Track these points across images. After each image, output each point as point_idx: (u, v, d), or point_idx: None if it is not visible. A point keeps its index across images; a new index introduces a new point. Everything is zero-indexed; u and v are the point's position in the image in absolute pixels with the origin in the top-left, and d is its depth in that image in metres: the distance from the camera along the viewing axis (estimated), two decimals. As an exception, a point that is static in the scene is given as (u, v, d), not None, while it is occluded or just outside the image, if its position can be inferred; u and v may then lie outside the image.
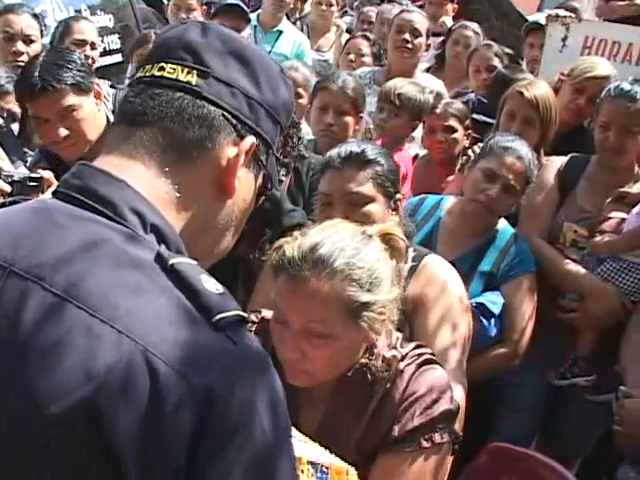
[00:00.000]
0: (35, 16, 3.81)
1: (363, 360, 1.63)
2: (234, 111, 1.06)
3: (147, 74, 1.07)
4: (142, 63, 1.11)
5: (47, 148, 2.71)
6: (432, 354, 1.72)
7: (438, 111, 3.46)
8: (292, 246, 1.55)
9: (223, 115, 1.05)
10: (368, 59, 4.64)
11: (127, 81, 4.68)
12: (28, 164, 2.83)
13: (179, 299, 0.92)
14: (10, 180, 2.19)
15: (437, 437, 1.59)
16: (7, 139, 2.73)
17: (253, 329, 1.77)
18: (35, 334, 0.87)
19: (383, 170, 2.14)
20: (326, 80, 3.33)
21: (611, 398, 2.64)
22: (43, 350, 0.86)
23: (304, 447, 1.44)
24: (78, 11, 5.24)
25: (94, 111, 2.59)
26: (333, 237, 1.55)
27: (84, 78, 2.53)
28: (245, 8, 4.77)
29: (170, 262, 0.94)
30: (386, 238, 1.64)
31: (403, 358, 1.64)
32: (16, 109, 3.13)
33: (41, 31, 3.81)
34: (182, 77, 1.05)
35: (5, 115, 3.14)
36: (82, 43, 4.01)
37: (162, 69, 1.06)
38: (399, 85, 3.49)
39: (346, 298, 1.51)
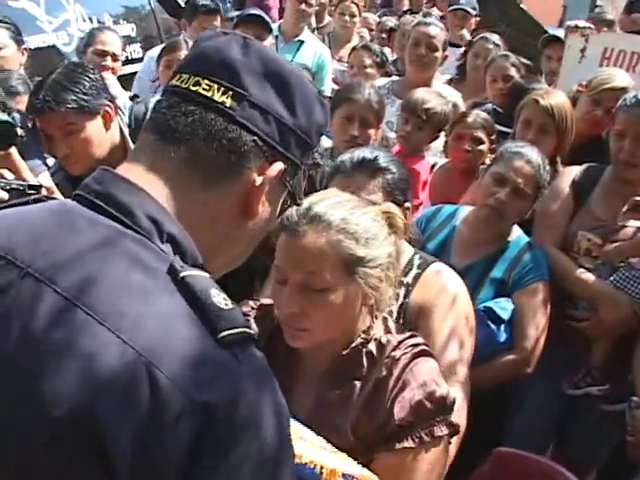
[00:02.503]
0: None
1: (359, 340, 1.64)
2: (266, 137, 1.05)
3: (182, 85, 1.06)
4: (178, 70, 1.10)
5: None
6: (426, 344, 1.71)
7: (469, 120, 3.36)
8: (292, 209, 1.59)
9: (254, 141, 1.04)
10: (371, 70, 4.63)
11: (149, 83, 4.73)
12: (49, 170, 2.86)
13: (187, 313, 0.92)
14: (9, 188, 2.21)
15: (437, 430, 1.57)
16: (27, 142, 2.74)
17: (252, 315, 1.78)
18: (44, 337, 0.88)
19: (394, 179, 2.13)
20: (351, 91, 3.29)
21: (625, 408, 2.63)
22: (51, 353, 0.87)
23: (336, 459, 1.46)
24: (101, 21, 5.32)
25: (99, 132, 2.55)
26: (331, 199, 1.61)
27: (89, 101, 2.48)
28: (267, 18, 4.79)
29: (181, 275, 0.94)
30: (385, 216, 1.67)
31: (398, 345, 1.64)
32: None
33: None
34: (217, 97, 1.03)
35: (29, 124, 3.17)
36: (103, 54, 4.06)
37: (198, 84, 1.04)
38: (426, 99, 3.42)
39: (342, 251, 1.54)
